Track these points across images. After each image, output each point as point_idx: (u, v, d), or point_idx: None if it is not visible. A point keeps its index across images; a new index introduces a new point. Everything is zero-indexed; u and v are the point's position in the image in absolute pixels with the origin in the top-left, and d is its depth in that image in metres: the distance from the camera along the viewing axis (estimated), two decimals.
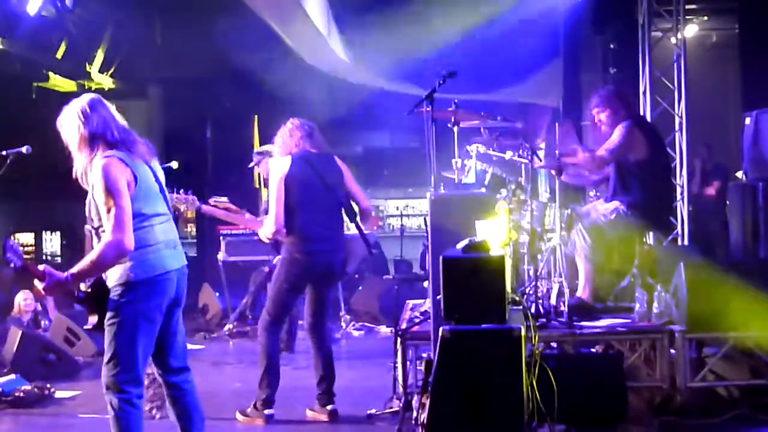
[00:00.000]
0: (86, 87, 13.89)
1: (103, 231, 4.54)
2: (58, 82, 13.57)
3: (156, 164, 4.90)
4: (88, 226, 4.77)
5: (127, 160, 4.60)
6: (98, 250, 4.47)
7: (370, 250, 6.82)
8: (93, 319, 4.72)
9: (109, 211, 4.47)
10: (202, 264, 13.51)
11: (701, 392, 6.32)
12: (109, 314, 4.61)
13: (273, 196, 6.51)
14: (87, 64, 13.74)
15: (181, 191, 7.24)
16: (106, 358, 4.63)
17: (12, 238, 19.74)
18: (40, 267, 4.50)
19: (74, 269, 4.52)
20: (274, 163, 6.61)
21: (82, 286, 4.67)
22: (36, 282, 4.60)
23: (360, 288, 11.95)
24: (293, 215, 6.51)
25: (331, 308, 7.64)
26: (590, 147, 7.23)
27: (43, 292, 4.63)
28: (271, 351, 6.54)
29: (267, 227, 6.51)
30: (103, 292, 4.64)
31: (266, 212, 6.82)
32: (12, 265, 4.55)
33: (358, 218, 6.79)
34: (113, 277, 4.59)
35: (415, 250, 15.92)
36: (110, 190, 4.48)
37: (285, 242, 6.59)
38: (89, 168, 4.62)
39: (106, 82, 14.46)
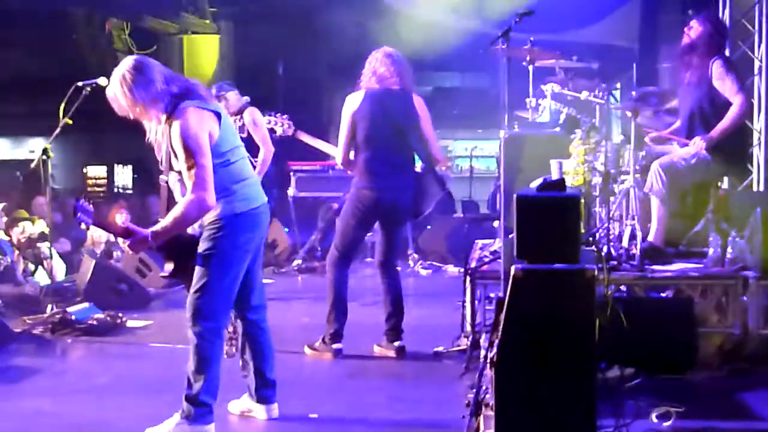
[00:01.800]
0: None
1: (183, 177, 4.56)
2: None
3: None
4: (163, 177, 4.79)
5: (202, 105, 4.57)
6: (181, 208, 4.47)
7: (444, 188, 6.75)
8: (169, 267, 4.77)
9: (190, 168, 4.43)
10: (271, 199, 13.61)
11: None
12: (205, 246, 4.63)
13: (342, 130, 6.51)
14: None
15: (277, 114, 7.24)
16: (195, 287, 4.63)
17: (84, 171, 20.18)
18: (120, 219, 4.53)
19: (157, 227, 4.54)
20: (349, 96, 6.58)
21: None
22: (119, 240, 4.69)
23: (428, 227, 11.95)
24: (360, 151, 6.52)
25: (400, 246, 7.65)
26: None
27: (128, 250, 4.78)
28: (339, 286, 6.58)
29: (336, 161, 6.55)
30: (181, 241, 4.68)
31: None
32: (84, 225, 4.60)
33: (431, 159, 6.72)
34: (213, 211, 4.58)
35: (484, 192, 15.88)
36: (191, 147, 4.43)
37: (353, 178, 6.61)
38: (166, 125, 4.56)
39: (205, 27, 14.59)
